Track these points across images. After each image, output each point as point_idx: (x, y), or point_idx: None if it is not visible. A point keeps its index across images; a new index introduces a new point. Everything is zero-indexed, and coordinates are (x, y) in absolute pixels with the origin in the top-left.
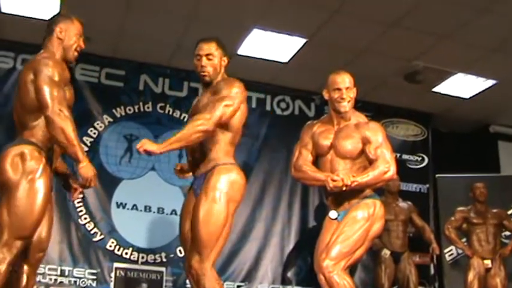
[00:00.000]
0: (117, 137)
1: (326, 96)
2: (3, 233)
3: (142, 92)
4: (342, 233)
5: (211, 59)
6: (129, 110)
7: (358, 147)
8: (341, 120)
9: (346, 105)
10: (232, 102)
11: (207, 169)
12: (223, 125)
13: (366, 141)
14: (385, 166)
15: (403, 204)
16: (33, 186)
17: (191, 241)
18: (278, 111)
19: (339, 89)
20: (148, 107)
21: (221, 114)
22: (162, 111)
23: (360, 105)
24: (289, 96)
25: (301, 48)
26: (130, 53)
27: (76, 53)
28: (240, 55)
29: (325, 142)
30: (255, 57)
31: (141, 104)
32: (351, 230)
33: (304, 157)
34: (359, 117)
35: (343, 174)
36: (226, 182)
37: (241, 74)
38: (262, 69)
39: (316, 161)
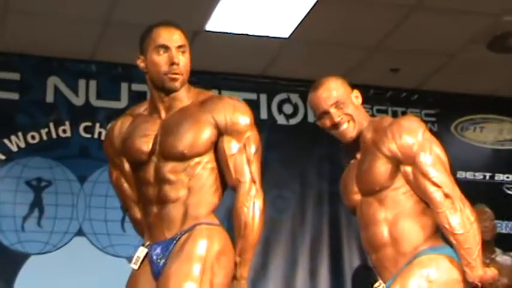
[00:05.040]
0: (15, 184)
1: (319, 123)
2: None
3: (52, 105)
4: None
5: (185, 52)
6: (32, 137)
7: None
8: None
9: (348, 130)
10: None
11: (180, 230)
12: (206, 160)
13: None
14: (449, 203)
15: (505, 259)
16: None
17: None
18: (281, 119)
19: (325, 112)
20: (64, 130)
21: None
22: (88, 135)
23: (416, 97)
24: (296, 94)
25: (313, 7)
26: (27, 43)
27: None
28: (210, 32)
29: None
30: (235, 34)
31: (51, 126)
32: None
33: None
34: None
35: None
36: (214, 251)
37: (213, 64)
38: (250, 53)
39: None
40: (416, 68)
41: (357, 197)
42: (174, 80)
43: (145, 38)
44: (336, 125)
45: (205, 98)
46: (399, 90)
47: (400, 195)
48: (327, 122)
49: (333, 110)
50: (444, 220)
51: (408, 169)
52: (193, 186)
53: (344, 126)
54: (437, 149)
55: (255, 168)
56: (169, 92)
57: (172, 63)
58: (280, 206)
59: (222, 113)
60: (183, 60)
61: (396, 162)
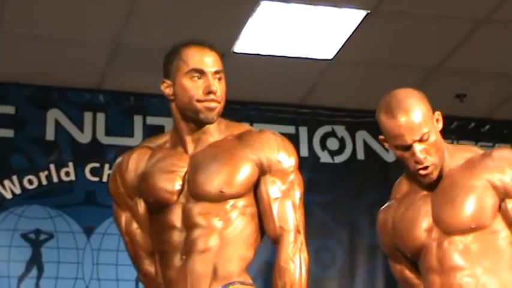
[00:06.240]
0: (9, 238)
1: (385, 145)
2: None
3: (53, 143)
4: None
5: (222, 78)
6: (29, 182)
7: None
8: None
9: (429, 172)
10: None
11: None
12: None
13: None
14: None
15: None
16: None
17: None
18: (324, 157)
19: (406, 147)
20: (67, 173)
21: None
22: (95, 179)
23: (487, 128)
24: (342, 126)
25: (360, 24)
26: (23, 71)
27: None
28: (239, 53)
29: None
30: (268, 55)
31: (52, 168)
32: None
33: None
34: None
35: None
36: None
37: (243, 91)
38: (287, 78)
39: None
40: (486, 93)
41: (429, 235)
42: (211, 109)
43: (173, 59)
44: (418, 163)
45: (242, 132)
46: (466, 120)
47: (500, 239)
48: (406, 156)
49: (416, 146)
50: None
51: None
52: (227, 236)
53: (428, 169)
54: None
55: (300, 216)
56: (202, 123)
57: (209, 92)
58: (324, 261)
59: (266, 149)
60: (220, 88)
61: (503, 196)
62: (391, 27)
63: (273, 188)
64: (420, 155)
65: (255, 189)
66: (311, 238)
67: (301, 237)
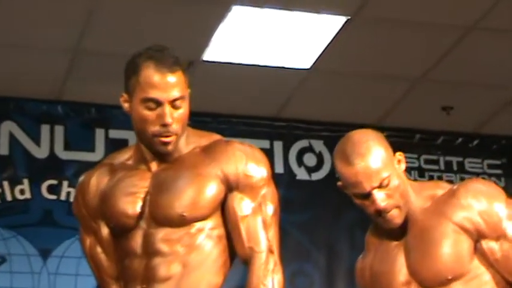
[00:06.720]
0: None
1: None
2: None
3: (6, 158)
4: None
5: (180, 106)
6: None
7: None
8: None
9: (393, 217)
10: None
11: None
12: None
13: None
14: None
15: None
16: None
17: None
18: (301, 174)
19: (365, 195)
20: (22, 191)
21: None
22: (53, 197)
23: (475, 143)
24: (320, 140)
25: (339, 31)
26: None
27: None
28: (209, 62)
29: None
30: (241, 64)
31: (5, 185)
32: None
33: None
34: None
35: None
36: None
37: (213, 103)
38: (261, 89)
39: None
40: (474, 105)
41: None
42: (166, 144)
43: (130, 73)
44: (379, 212)
45: (208, 144)
46: (453, 135)
47: (482, 285)
48: (365, 204)
49: (376, 193)
50: None
51: (493, 245)
52: (192, 261)
53: (390, 213)
54: None
55: (273, 234)
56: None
57: (164, 125)
58: (300, 286)
59: (232, 163)
60: (179, 115)
61: (476, 237)
62: (373, 35)
63: (241, 206)
64: (381, 204)
65: (223, 207)
66: (286, 261)
67: (275, 258)
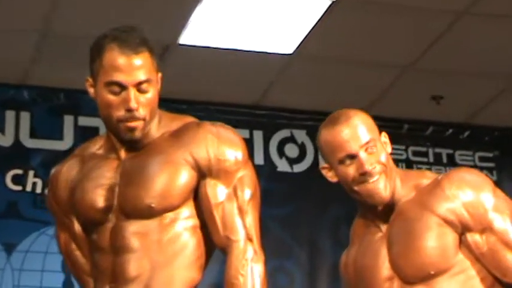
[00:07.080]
0: None
1: (329, 176)
2: None
3: None
4: None
5: (147, 90)
6: None
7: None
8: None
9: (379, 186)
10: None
11: None
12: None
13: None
14: None
15: None
16: None
17: None
18: (282, 165)
19: (351, 156)
20: None
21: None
22: (18, 187)
23: (466, 135)
24: (303, 130)
25: (324, 13)
26: None
27: None
28: (185, 45)
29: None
30: (219, 48)
31: None
32: None
33: None
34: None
35: None
36: None
37: (190, 89)
38: (241, 75)
39: None
40: (465, 94)
41: (391, 285)
42: (132, 129)
43: (95, 56)
44: (364, 174)
45: (179, 127)
46: (443, 125)
47: (469, 279)
48: (350, 171)
49: (363, 154)
50: None
51: (478, 238)
52: (163, 256)
53: (375, 178)
54: None
55: (251, 220)
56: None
57: (129, 110)
58: (280, 284)
59: (203, 147)
60: (146, 100)
61: (461, 230)
62: (359, 19)
63: (214, 192)
64: (367, 165)
65: (195, 195)
66: (267, 258)
67: (254, 246)
